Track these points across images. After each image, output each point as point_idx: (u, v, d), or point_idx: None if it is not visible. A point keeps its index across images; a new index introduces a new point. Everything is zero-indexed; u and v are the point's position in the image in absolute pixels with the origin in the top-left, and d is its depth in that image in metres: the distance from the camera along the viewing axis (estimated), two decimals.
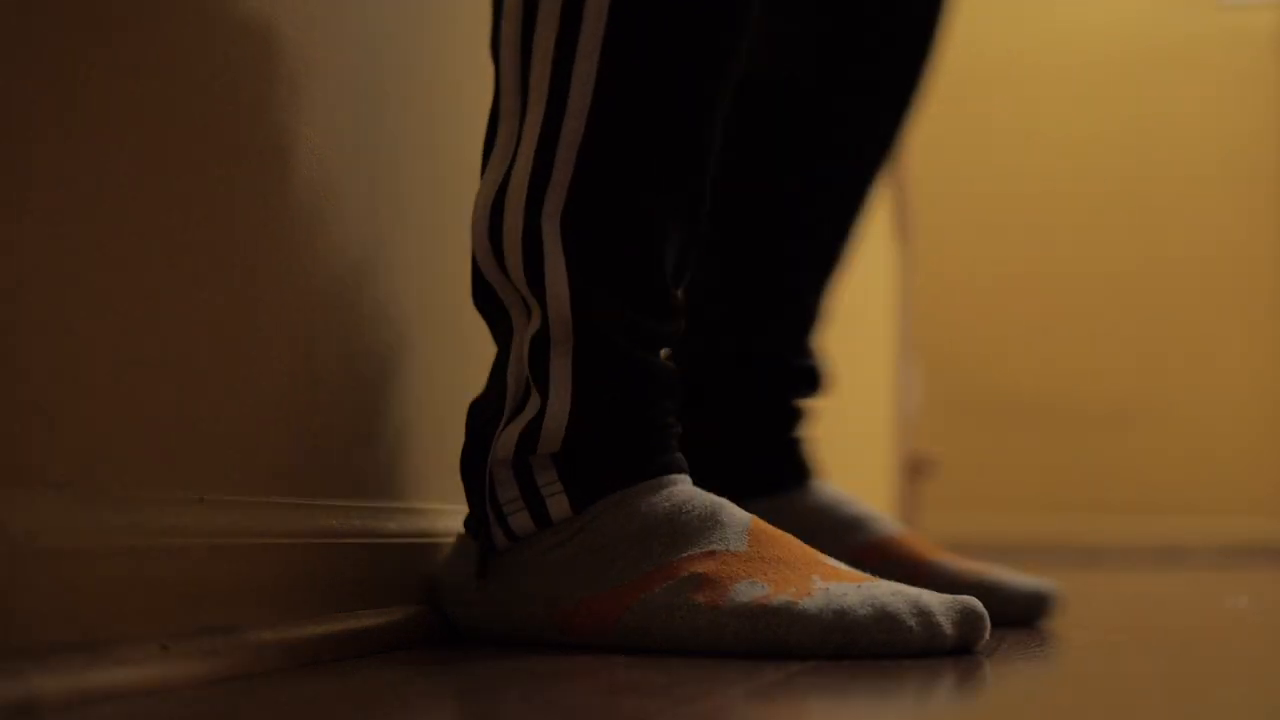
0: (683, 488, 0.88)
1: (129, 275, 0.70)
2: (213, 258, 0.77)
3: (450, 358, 1.03)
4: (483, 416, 0.89)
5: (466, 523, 0.91)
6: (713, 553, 0.84)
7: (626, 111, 0.84)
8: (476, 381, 0.93)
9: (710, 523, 0.86)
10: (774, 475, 1.16)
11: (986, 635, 0.85)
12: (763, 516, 0.92)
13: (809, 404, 1.22)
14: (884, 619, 0.81)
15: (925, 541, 1.15)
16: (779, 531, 0.87)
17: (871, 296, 3.78)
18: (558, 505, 0.87)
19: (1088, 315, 4.89)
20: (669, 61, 0.85)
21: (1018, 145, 4.94)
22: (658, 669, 0.77)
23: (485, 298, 0.89)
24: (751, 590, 0.83)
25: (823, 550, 0.92)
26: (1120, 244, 4.90)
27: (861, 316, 3.56)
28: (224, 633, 0.71)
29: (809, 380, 1.20)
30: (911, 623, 0.81)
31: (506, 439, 0.87)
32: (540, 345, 0.86)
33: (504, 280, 0.87)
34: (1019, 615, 1.10)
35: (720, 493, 0.90)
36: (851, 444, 3.34)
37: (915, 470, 4.55)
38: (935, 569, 1.10)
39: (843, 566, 0.86)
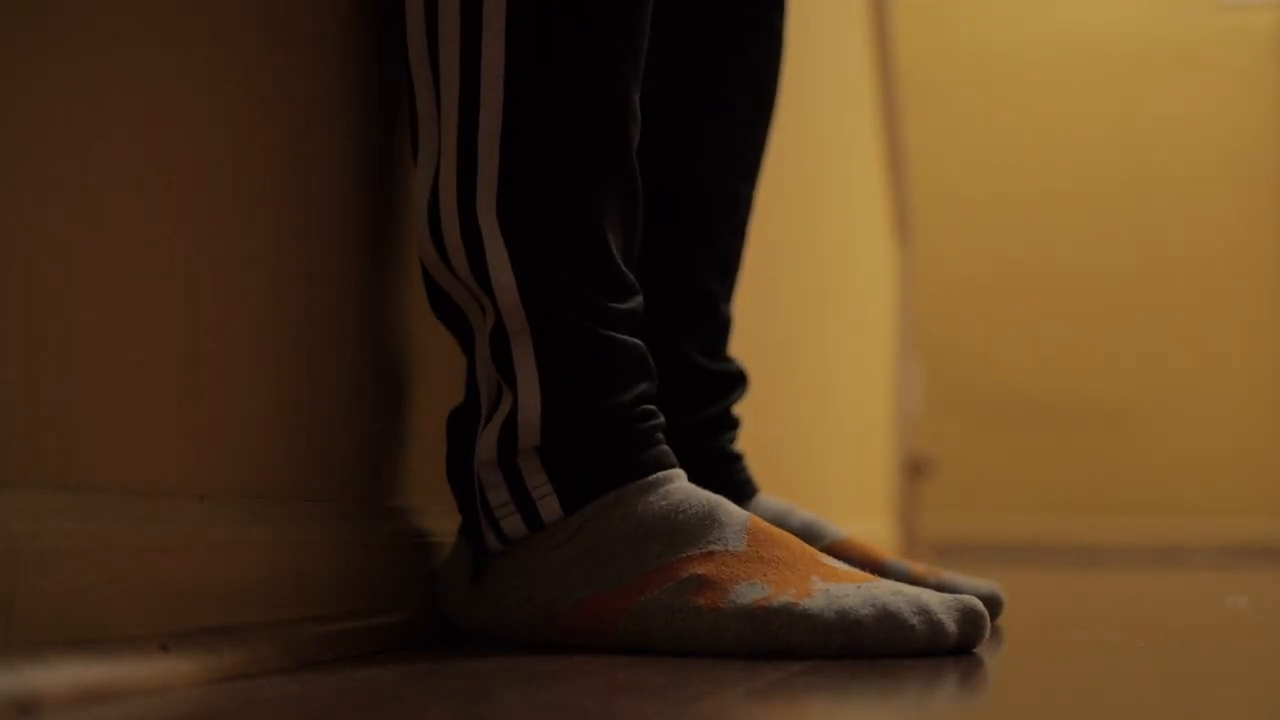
0: (679, 485, 0.87)
1: (129, 275, 0.70)
2: (213, 258, 0.77)
3: (450, 357, 1.03)
4: (462, 423, 0.89)
5: (461, 528, 0.91)
6: (711, 553, 0.84)
7: (540, 96, 0.85)
8: None
9: (708, 522, 0.85)
10: (720, 489, 1.13)
11: (987, 634, 0.85)
12: None
13: (738, 410, 1.19)
14: (886, 619, 0.81)
15: (876, 544, 1.16)
16: (778, 530, 0.87)
17: (871, 296, 3.78)
18: (549, 507, 0.86)
19: (1088, 315, 4.90)
20: (576, 41, 0.85)
21: (1018, 145, 4.94)
22: (657, 669, 0.77)
23: (442, 305, 0.90)
24: (752, 591, 0.82)
25: None
26: (1120, 244, 4.90)
27: (861, 316, 3.56)
28: (224, 633, 0.71)
29: (734, 383, 1.18)
30: (914, 622, 0.81)
31: (487, 439, 0.87)
32: (499, 339, 0.86)
33: (453, 281, 0.87)
34: None
35: None
36: (851, 444, 3.34)
37: (915, 470, 4.55)
38: (892, 569, 1.11)
39: (841, 566, 0.86)
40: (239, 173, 0.79)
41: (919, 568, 1.14)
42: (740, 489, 1.15)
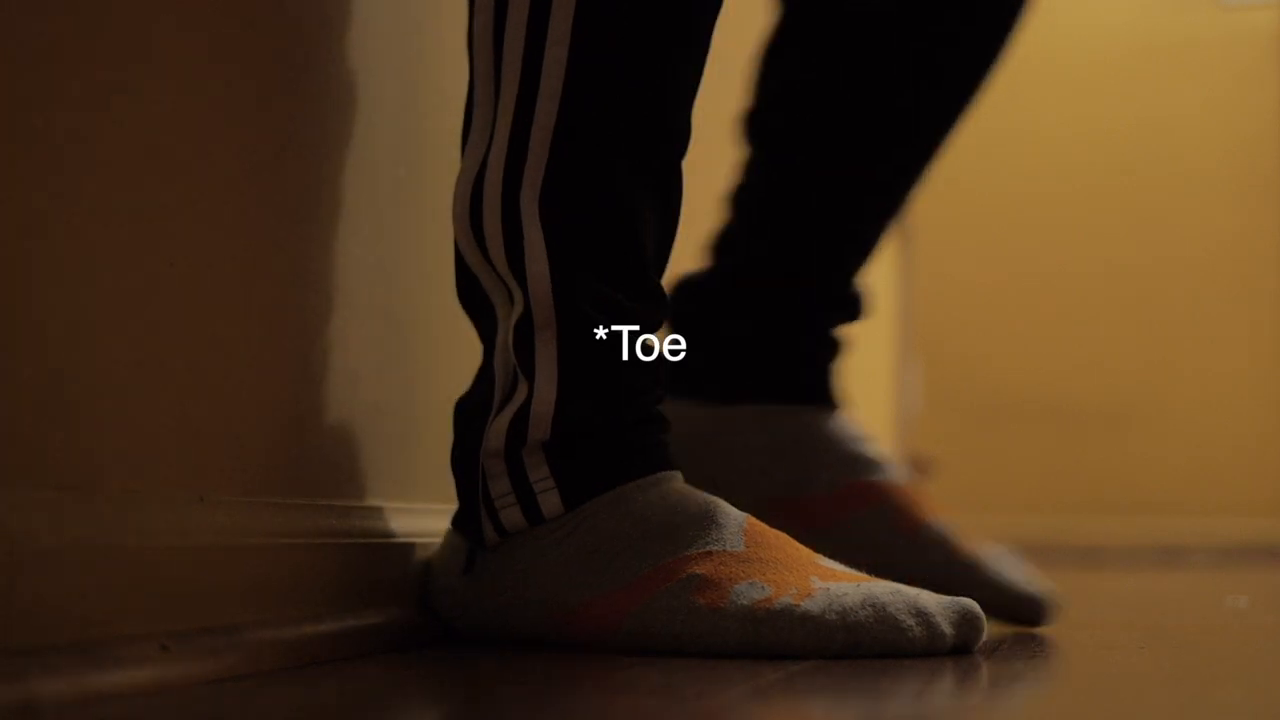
0: (677, 485, 0.88)
1: (129, 275, 0.70)
2: (213, 257, 0.77)
3: (451, 357, 1.03)
4: (471, 412, 0.89)
5: (455, 520, 0.90)
6: (710, 553, 0.84)
7: (598, 95, 0.85)
8: None
9: (706, 522, 0.86)
10: (801, 388, 1.15)
11: (984, 637, 0.85)
12: (779, 426, 1.07)
13: (846, 331, 1.21)
14: (885, 619, 0.81)
15: (929, 500, 1.10)
16: (774, 531, 0.87)
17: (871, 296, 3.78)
18: (549, 502, 0.87)
19: (1088, 315, 4.89)
20: (639, 47, 0.86)
21: (1018, 145, 4.94)
22: (657, 669, 0.77)
23: (469, 291, 0.90)
24: (752, 592, 0.83)
25: (818, 475, 1.05)
26: (1120, 244, 4.90)
27: None
28: (224, 633, 0.71)
29: (852, 306, 1.20)
30: (910, 624, 0.81)
31: (497, 429, 0.87)
32: (524, 329, 0.86)
33: (486, 266, 0.88)
34: (1011, 616, 1.07)
35: (745, 394, 1.07)
36: None
37: (915, 470, 4.56)
38: (928, 539, 1.06)
39: (839, 567, 0.86)
40: (239, 172, 0.79)
41: (956, 548, 1.07)
42: (825, 393, 1.16)
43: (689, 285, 1.18)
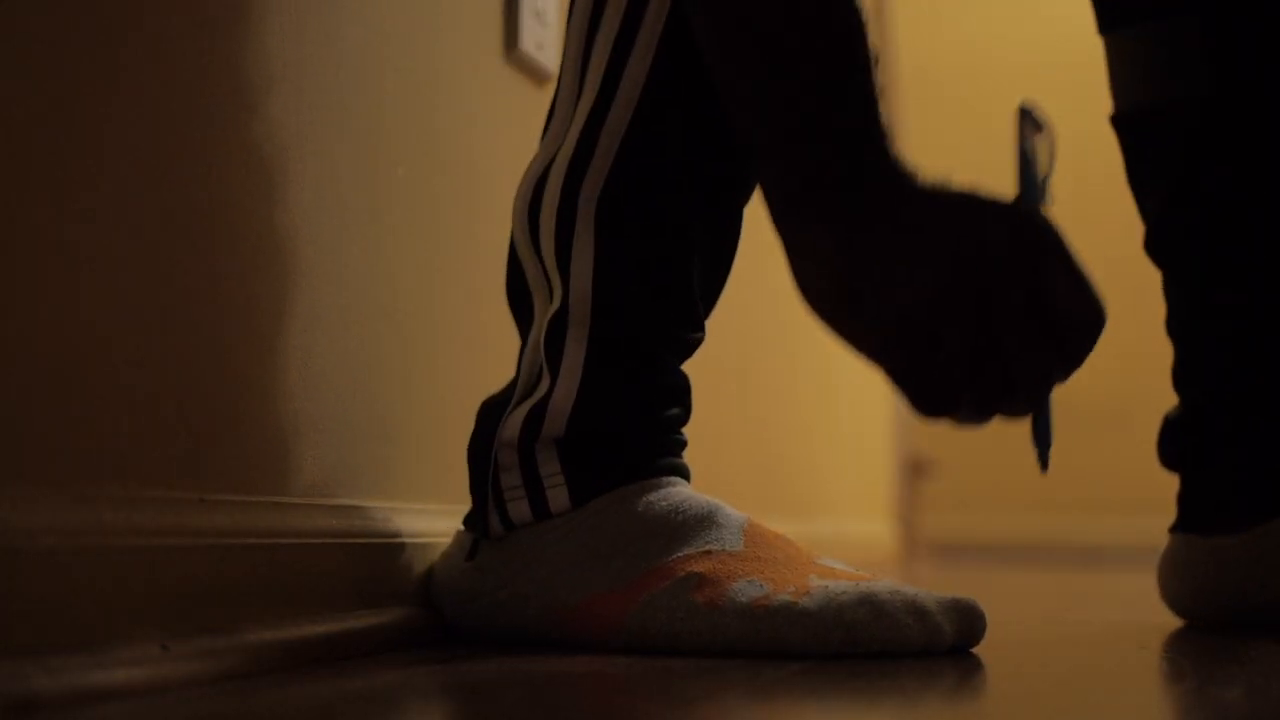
0: (681, 489, 0.88)
1: (130, 275, 0.70)
2: (213, 258, 0.77)
3: (452, 358, 1.03)
4: (494, 406, 0.90)
5: (466, 518, 0.91)
6: (709, 552, 0.85)
7: (670, 113, 0.87)
8: (478, 382, 0.93)
9: (706, 523, 0.86)
10: None
11: (983, 634, 0.85)
12: None
13: None
14: (883, 618, 0.81)
15: None
16: (774, 532, 0.88)
17: None
18: (557, 498, 0.87)
19: None
20: (710, 84, 0.86)
21: None
22: (657, 669, 0.77)
23: (515, 285, 0.91)
24: (750, 590, 0.83)
25: None
26: (1121, 244, 4.89)
27: None
28: (224, 633, 0.71)
29: None
30: (909, 621, 0.82)
31: (514, 419, 0.88)
32: (558, 325, 0.87)
33: (534, 257, 0.89)
34: None
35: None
36: (851, 444, 3.34)
37: (915, 470, 4.56)
38: None
39: (838, 565, 0.86)
40: (240, 173, 0.79)
41: None
42: None
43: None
